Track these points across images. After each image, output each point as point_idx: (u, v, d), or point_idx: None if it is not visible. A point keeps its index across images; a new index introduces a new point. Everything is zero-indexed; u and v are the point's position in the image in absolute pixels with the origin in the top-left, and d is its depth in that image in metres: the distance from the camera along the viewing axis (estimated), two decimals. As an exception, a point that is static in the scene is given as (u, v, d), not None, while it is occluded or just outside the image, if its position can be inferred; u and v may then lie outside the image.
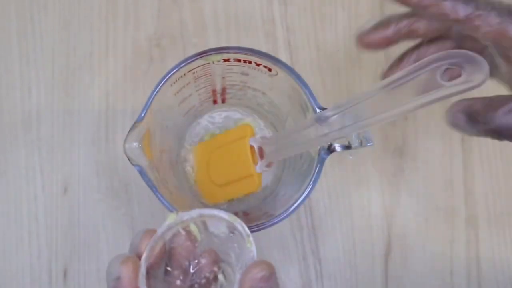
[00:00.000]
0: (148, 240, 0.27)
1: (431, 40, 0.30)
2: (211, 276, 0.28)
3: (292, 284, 0.43)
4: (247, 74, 0.35)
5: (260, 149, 0.35)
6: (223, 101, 0.41)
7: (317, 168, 0.31)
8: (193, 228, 0.28)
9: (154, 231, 0.27)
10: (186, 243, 0.28)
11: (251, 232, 0.30)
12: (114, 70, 0.44)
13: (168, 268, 0.28)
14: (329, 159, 0.31)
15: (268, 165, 0.35)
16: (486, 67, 0.21)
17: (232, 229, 0.27)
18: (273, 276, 0.24)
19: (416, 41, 0.30)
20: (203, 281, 0.28)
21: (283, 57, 0.44)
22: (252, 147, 0.35)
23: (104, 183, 0.43)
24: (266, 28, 0.45)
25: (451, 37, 0.29)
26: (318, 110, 0.31)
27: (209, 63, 0.33)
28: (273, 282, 0.24)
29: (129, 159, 0.30)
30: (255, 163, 0.35)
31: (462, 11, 0.25)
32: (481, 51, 0.27)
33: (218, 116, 0.42)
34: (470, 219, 0.44)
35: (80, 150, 0.43)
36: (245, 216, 0.39)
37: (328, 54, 0.45)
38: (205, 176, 0.40)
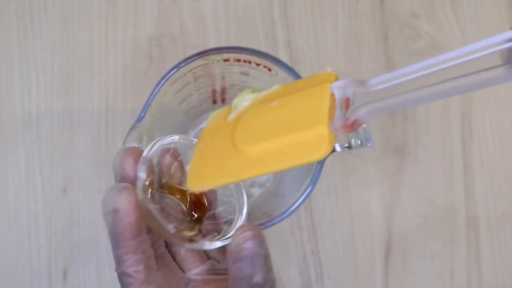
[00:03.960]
0: (131, 159, 0.25)
1: None
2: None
3: (292, 284, 0.43)
4: (247, 74, 0.35)
5: (347, 101, 0.22)
6: (223, 101, 0.41)
7: (317, 168, 0.31)
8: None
9: (135, 149, 0.26)
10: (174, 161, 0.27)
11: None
12: (114, 70, 0.44)
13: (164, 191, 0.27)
14: (329, 159, 0.31)
15: (352, 125, 0.22)
16: None
17: None
18: (258, 237, 0.24)
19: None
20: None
21: (283, 57, 0.44)
22: (333, 98, 0.22)
23: (104, 183, 0.43)
24: (266, 28, 0.45)
25: None
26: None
27: (209, 63, 0.33)
28: (259, 242, 0.24)
29: (129, 159, 0.30)
30: (331, 119, 0.22)
31: None
32: None
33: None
34: (470, 219, 0.44)
35: (80, 150, 0.43)
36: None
37: (328, 54, 0.45)
38: (218, 140, 0.26)
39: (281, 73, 0.33)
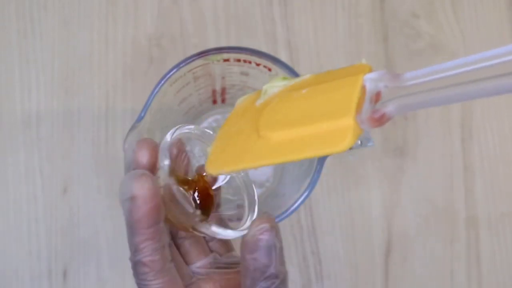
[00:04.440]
0: (145, 150, 0.25)
1: None
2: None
3: (292, 284, 0.43)
4: (247, 74, 0.35)
5: (378, 94, 0.22)
6: (223, 101, 0.41)
7: (317, 168, 0.31)
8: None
9: (149, 140, 0.26)
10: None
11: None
12: (114, 70, 0.44)
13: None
14: (329, 159, 0.31)
15: (380, 118, 0.21)
16: None
17: None
18: (274, 229, 0.24)
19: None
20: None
21: (283, 57, 0.44)
22: (363, 90, 0.22)
23: (104, 183, 0.43)
24: (266, 28, 0.45)
25: None
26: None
27: (209, 63, 0.33)
28: (275, 234, 0.24)
29: (129, 159, 0.30)
30: (359, 111, 0.21)
31: None
32: None
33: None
34: (470, 219, 0.44)
35: (80, 150, 0.43)
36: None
37: (328, 54, 0.45)
38: (243, 124, 0.25)
39: (281, 73, 0.33)
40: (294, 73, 0.32)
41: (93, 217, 0.42)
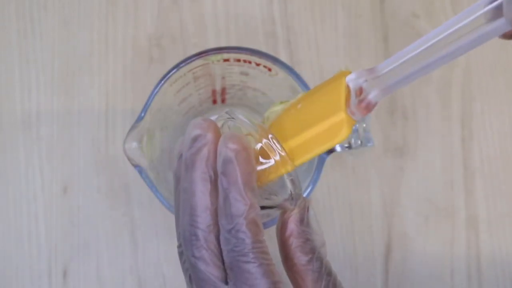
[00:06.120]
0: (215, 129, 0.24)
1: None
2: None
3: (292, 284, 0.42)
4: (247, 74, 0.35)
5: (360, 90, 0.25)
6: (223, 101, 0.41)
7: (317, 168, 0.31)
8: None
9: (213, 122, 0.25)
10: None
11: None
12: (114, 70, 0.44)
13: None
14: (329, 159, 0.31)
15: (366, 106, 0.25)
16: None
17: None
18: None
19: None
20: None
21: (283, 57, 0.44)
22: (348, 89, 0.25)
23: (104, 183, 0.43)
24: (266, 28, 0.45)
25: None
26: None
27: (209, 63, 0.33)
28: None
29: (129, 159, 0.30)
30: (348, 106, 0.25)
31: None
32: None
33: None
34: (470, 219, 0.44)
35: (80, 150, 0.43)
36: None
37: (328, 54, 0.45)
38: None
39: (281, 73, 0.33)
40: (294, 73, 0.32)
41: (93, 217, 0.42)
